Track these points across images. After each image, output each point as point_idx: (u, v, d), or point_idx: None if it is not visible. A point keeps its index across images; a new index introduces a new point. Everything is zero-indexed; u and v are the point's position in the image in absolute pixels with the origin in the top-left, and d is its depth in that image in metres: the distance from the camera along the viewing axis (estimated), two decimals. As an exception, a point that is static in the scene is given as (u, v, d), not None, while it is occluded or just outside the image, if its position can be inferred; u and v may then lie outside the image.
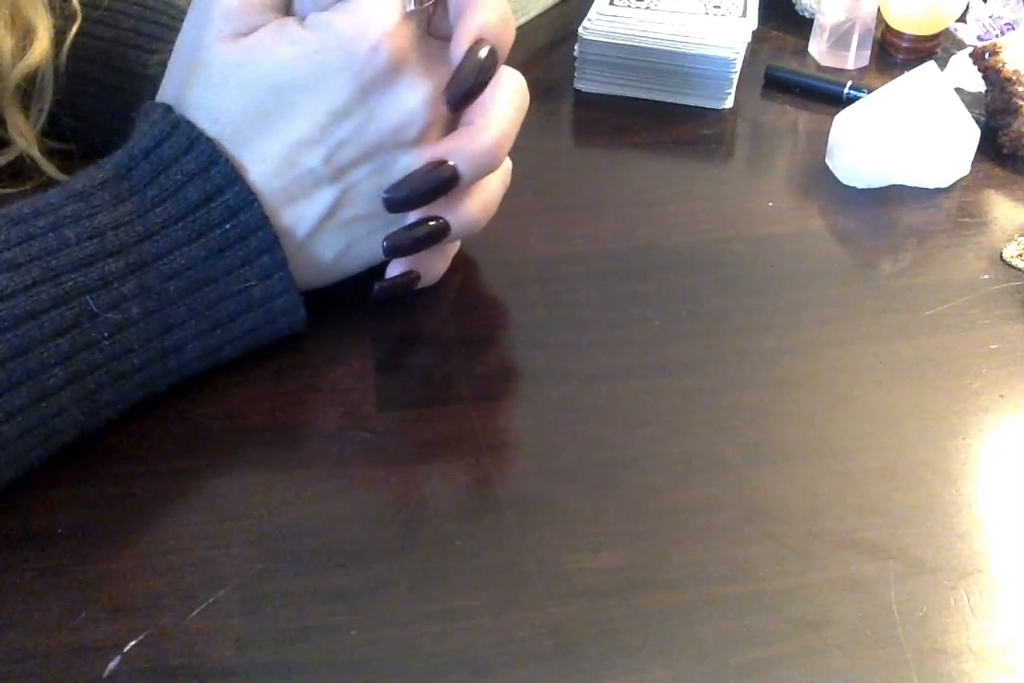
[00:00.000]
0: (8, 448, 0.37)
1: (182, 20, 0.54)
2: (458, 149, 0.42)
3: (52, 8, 0.51)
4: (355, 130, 0.41)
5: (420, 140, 0.42)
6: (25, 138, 0.52)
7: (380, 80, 0.40)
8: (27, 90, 0.52)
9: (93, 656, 0.34)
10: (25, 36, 0.50)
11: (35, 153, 0.52)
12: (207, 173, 0.40)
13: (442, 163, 0.42)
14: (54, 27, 0.51)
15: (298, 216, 0.42)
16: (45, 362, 0.37)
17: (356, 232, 0.44)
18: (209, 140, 0.40)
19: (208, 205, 0.40)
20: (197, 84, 0.41)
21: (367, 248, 0.44)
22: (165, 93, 0.43)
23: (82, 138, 0.54)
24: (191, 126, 0.40)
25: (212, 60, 0.41)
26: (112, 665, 0.34)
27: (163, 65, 0.50)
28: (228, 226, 0.40)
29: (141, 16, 0.55)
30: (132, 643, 0.34)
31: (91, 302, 0.38)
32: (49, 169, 0.52)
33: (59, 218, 0.38)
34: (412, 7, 0.41)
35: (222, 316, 0.41)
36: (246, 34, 0.41)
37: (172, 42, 0.52)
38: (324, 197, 0.42)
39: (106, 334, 0.38)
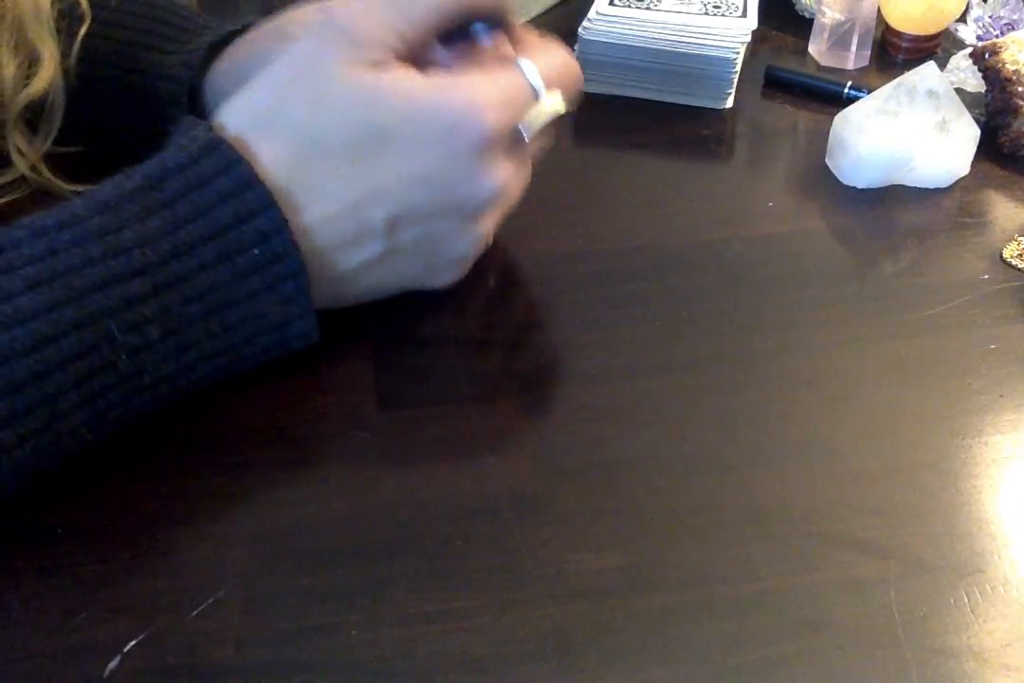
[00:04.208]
0: (19, 469, 0.37)
1: (192, 20, 0.54)
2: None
3: (61, 12, 0.51)
4: (427, 198, 0.41)
5: (475, 217, 0.43)
6: (27, 160, 0.51)
7: (470, 158, 0.41)
8: (33, 114, 0.51)
9: (93, 656, 0.34)
10: (30, 64, 0.50)
11: (37, 177, 0.51)
12: (242, 195, 0.39)
13: None
14: (63, 29, 0.51)
15: (339, 259, 0.42)
16: (61, 386, 0.36)
17: (384, 279, 0.45)
18: (247, 162, 0.39)
19: (239, 227, 0.39)
20: (303, 101, 0.40)
21: (387, 289, 0.46)
22: (256, 94, 0.42)
23: (92, 140, 0.54)
24: (231, 148, 0.39)
25: (330, 84, 0.40)
26: (112, 665, 0.34)
27: (183, 66, 0.50)
28: (257, 251, 0.39)
29: (152, 16, 0.54)
30: (132, 643, 0.34)
31: (112, 325, 0.37)
32: (56, 186, 0.52)
33: (84, 232, 0.37)
34: (526, 137, 0.43)
35: (237, 338, 0.41)
36: (369, 67, 0.40)
37: (186, 43, 0.52)
38: (370, 250, 0.42)
39: (123, 356, 0.38)
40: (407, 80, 0.40)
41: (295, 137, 0.40)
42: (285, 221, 0.39)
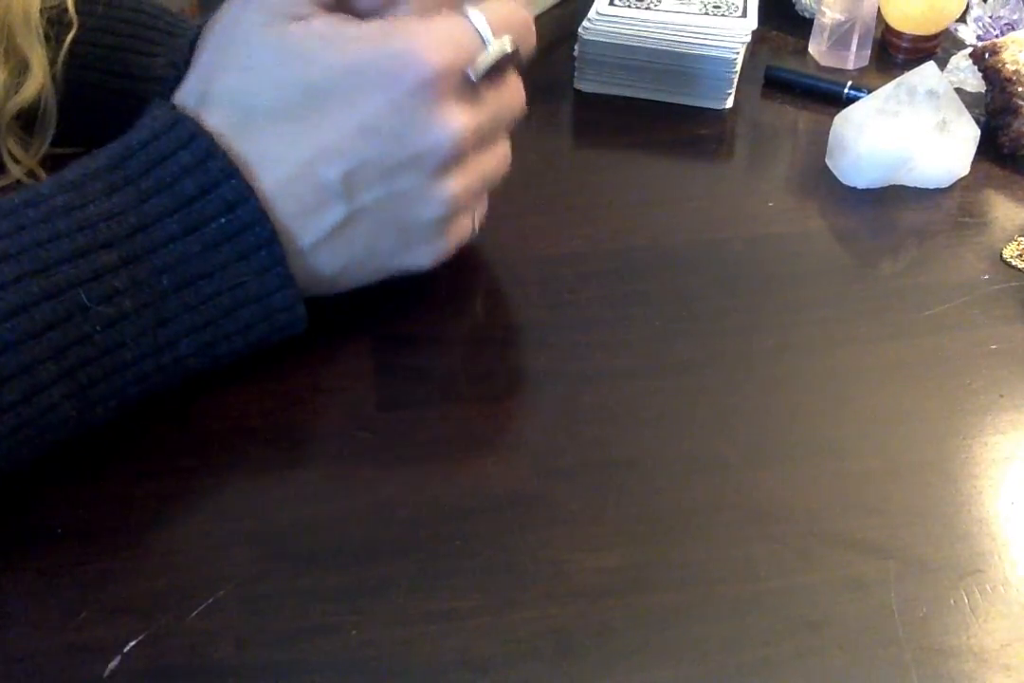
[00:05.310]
0: (5, 445, 0.36)
1: (178, 24, 0.54)
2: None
3: (49, 19, 0.51)
4: (379, 150, 0.40)
5: (437, 172, 0.42)
6: (23, 167, 0.51)
7: (416, 104, 0.40)
8: (25, 121, 0.51)
9: (93, 656, 0.34)
10: (20, 72, 0.50)
11: (35, 181, 0.51)
12: (204, 166, 0.39)
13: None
14: (51, 36, 0.51)
15: (303, 227, 0.41)
16: (37, 356, 0.36)
17: (357, 252, 0.43)
18: (208, 134, 0.39)
19: (204, 198, 0.39)
20: (232, 69, 0.40)
21: (367, 268, 0.44)
22: (195, 73, 0.42)
23: (89, 143, 0.54)
24: (193, 122, 0.40)
25: (253, 47, 0.40)
26: (112, 665, 0.34)
27: (170, 66, 0.50)
28: (224, 220, 0.39)
29: (138, 22, 0.55)
30: (132, 643, 0.34)
31: (83, 295, 0.37)
32: None
33: (50, 209, 0.38)
34: (475, 79, 0.41)
35: (217, 311, 0.41)
36: (291, 21, 0.39)
37: (171, 46, 0.52)
38: (334, 214, 0.41)
39: (98, 328, 0.38)
40: (336, 29, 0.39)
41: (232, 106, 0.40)
42: (251, 189, 0.39)
